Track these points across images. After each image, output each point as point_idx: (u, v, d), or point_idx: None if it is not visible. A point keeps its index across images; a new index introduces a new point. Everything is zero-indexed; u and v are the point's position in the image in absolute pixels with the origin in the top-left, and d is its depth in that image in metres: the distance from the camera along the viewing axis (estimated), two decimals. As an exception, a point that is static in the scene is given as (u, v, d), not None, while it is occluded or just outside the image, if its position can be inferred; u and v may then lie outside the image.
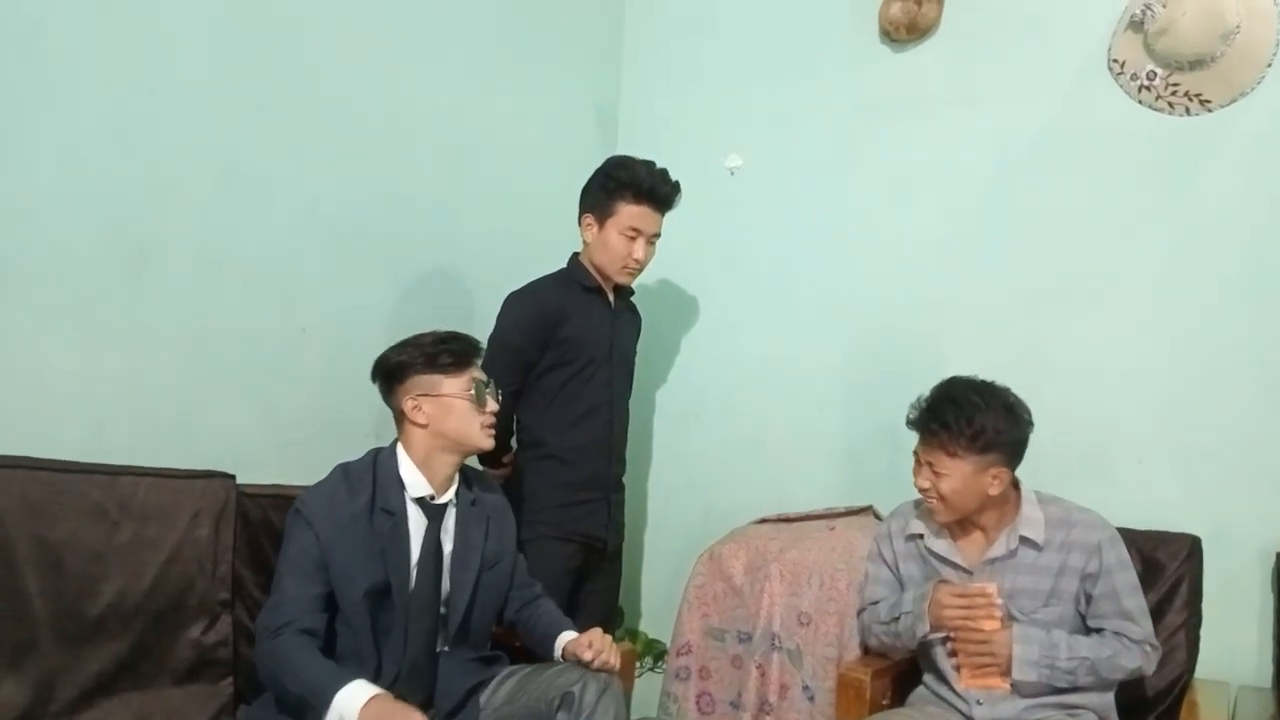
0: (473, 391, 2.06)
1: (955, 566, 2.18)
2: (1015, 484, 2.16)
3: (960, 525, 2.18)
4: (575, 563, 2.55)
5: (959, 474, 2.07)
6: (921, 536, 2.23)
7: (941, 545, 2.20)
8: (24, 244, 1.88)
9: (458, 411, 2.04)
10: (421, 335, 2.09)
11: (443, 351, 2.04)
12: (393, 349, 2.08)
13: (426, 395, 2.03)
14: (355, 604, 1.93)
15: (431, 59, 2.72)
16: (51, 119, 1.91)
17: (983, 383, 2.12)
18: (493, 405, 2.11)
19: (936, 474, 2.10)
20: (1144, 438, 2.52)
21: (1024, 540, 2.11)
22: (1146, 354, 2.53)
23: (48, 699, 1.74)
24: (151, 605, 1.89)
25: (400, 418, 2.07)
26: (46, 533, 1.77)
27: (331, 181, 2.44)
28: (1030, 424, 2.11)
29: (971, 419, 2.05)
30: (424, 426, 2.03)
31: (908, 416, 2.16)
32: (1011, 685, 2.06)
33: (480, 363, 2.12)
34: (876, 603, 2.30)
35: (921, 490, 2.15)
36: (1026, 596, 2.10)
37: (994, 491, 2.09)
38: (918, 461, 2.15)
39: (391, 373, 2.06)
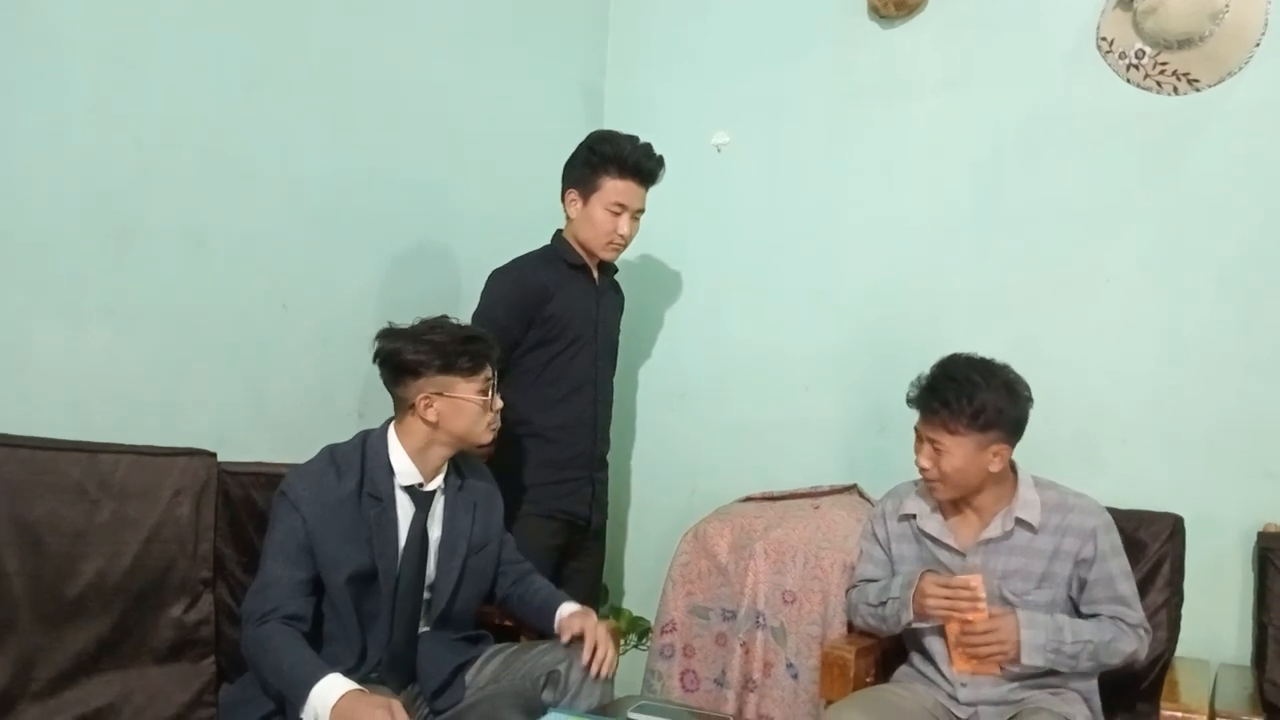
0: (487, 395, 2.05)
1: (948, 548, 2.17)
2: (1013, 466, 2.15)
3: (955, 506, 2.17)
4: (558, 540, 2.55)
5: (960, 452, 2.06)
6: (914, 517, 2.22)
7: (934, 526, 2.19)
8: (6, 222, 1.85)
9: (469, 413, 2.02)
10: (435, 329, 2.03)
11: (462, 354, 2.01)
12: (404, 340, 2.01)
13: (440, 395, 2.00)
14: (339, 588, 1.92)
15: (418, 36, 2.68)
16: (34, 96, 1.87)
17: (982, 360, 2.11)
18: (499, 403, 2.09)
19: (938, 451, 2.08)
20: (1130, 420, 2.53)
21: (1020, 522, 2.10)
22: (1134, 336, 2.53)
23: (28, 679, 1.73)
24: (132, 584, 1.88)
25: (406, 408, 2.03)
26: (25, 512, 1.75)
27: (317, 160, 2.41)
28: (1030, 400, 2.10)
29: (972, 397, 2.04)
30: (432, 424, 2.00)
31: (908, 394, 2.15)
32: (1000, 669, 2.05)
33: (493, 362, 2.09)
34: (866, 581, 2.30)
35: (922, 469, 2.13)
36: (1019, 578, 2.10)
37: (995, 468, 2.08)
38: (919, 439, 2.13)
39: (404, 367, 2.01)
